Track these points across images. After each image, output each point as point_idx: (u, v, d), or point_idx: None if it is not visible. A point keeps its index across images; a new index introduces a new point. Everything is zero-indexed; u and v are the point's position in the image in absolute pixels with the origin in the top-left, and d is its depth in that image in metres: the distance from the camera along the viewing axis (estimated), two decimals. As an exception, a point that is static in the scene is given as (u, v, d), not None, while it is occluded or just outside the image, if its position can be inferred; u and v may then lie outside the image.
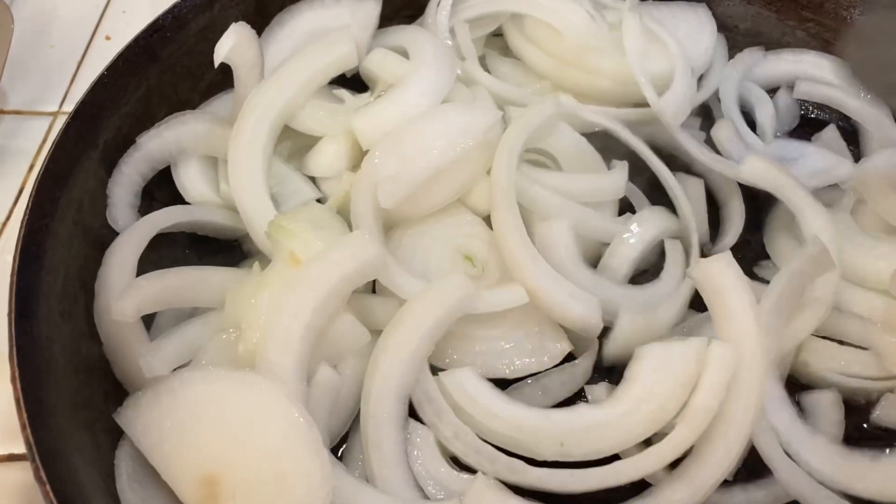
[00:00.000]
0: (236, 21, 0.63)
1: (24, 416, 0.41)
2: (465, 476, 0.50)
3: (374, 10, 0.66)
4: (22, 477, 0.55)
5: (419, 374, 0.51)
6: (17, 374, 0.43)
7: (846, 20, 0.72)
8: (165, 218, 0.57)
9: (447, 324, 0.51)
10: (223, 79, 0.65)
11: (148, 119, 0.61)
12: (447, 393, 0.51)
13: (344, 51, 0.62)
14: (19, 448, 0.56)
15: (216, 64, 0.62)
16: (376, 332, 0.53)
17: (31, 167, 0.74)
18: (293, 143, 0.64)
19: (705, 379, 0.49)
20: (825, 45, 0.74)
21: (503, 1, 0.71)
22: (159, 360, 0.50)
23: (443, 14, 0.70)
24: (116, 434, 0.48)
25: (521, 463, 0.49)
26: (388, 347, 0.50)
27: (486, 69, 0.69)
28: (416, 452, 0.51)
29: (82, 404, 0.47)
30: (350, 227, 0.56)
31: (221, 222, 0.60)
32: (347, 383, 0.52)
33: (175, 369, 0.51)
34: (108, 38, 0.84)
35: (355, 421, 0.53)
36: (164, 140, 0.60)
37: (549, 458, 0.49)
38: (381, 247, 0.51)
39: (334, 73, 0.63)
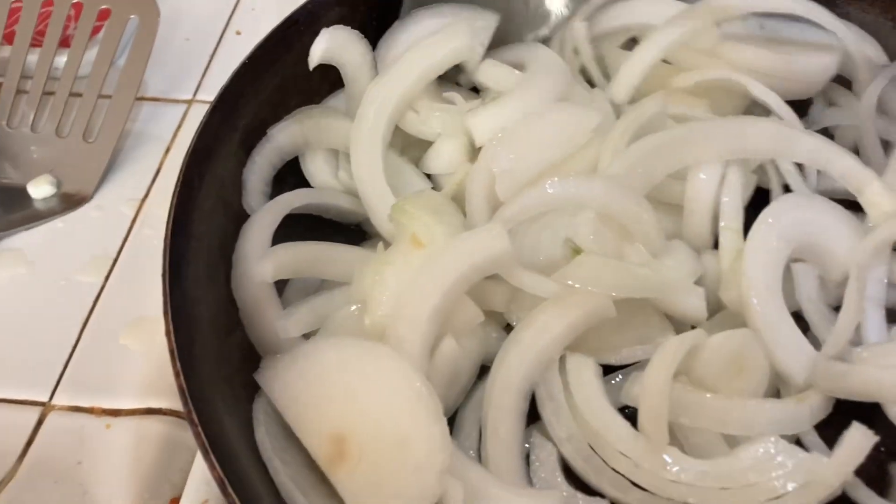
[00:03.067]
0: (367, 17, 0.68)
1: (178, 364, 0.45)
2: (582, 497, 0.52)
3: (492, 21, 0.69)
4: (158, 428, 0.60)
5: (545, 372, 0.54)
6: (171, 328, 0.47)
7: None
8: (296, 198, 0.62)
9: (581, 329, 0.54)
10: None
11: (282, 107, 0.66)
12: (567, 386, 0.54)
13: (459, 43, 0.65)
14: (157, 403, 0.61)
15: (311, 66, 0.66)
16: (488, 312, 0.56)
17: (168, 150, 0.80)
18: (405, 138, 0.67)
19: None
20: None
21: (634, 15, 0.73)
22: (293, 324, 0.55)
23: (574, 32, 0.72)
24: (251, 390, 0.52)
25: (626, 482, 0.51)
26: (519, 341, 0.53)
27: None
28: (537, 464, 0.53)
29: (223, 360, 0.51)
30: (464, 215, 0.60)
31: (345, 206, 0.64)
32: (462, 360, 0.55)
33: (304, 336, 0.55)
34: (238, 32, 0.90)
35: (465, 399, 0.56)
36: (291, 133, 0.65)
37: (619, 470, 0.51)
38: (510, 242, 0.53)
39: (449, 66, 0.66)
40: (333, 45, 0.66)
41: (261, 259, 0.56)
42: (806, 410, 0.51)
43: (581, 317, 0.53)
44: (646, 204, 0.56)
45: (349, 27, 0.67)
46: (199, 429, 0.43)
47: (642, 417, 0.51)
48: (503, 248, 0.52)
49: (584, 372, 0.54)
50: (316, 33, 0.66)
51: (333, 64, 0.67)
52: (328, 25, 0.67)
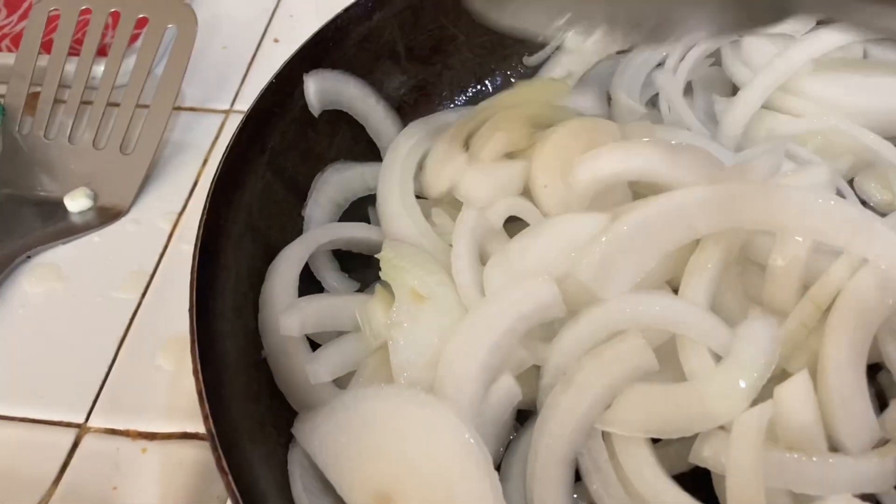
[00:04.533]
0: (395, 32, 0.67)
1: (207, 407, 0.45)
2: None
3: None
4: (195, 454, 0.60)
5: (588, 439, 0.51)
6: (198, 367, 0.46)
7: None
8: (324, 235, 0.61)
9: (623, 387, 0.51)
10: (379, 88, 0.69)
11: (310, 125, 0.65)
12: (614, 455, 0.51)
13: None
14: (193, 427, 0.61)
15: (316, 113, 0.65)
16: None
17: (205, 162, 0.79)
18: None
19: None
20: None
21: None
22: (323, 368, 0.53)
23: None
24: (283, 430, 0.51)
25: None
26: (558, 405, 0.50)
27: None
28: None
29: (252, 398, 0.51)
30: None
31: (375, 238, 0.62)
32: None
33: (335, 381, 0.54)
34: (276, 40, 0.89)
35: (511, 451, 0.54)
36: (321, 206, 0.65)
37: None
38: (558, 289, 0.51)
39: None
40: (324, 87, 0.65)
41: (288, 311, 0.55)
42: (890, 466, 0.47)
43: (622, 373, 0.50)
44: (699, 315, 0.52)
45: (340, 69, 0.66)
46: (230, 478, 0.42)
47: (732, 496, 0.47)
48: (551, 295, 0.51)
49: (632, 438, 0.50)
50: (343, 50, 0.66)
51: (339, 108, 0.66)
52: (356, 41, 0.66)
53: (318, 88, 0.64)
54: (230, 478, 0.42)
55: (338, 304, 0.57)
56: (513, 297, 0.51)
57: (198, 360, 0.47)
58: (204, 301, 0.50)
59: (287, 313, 0.54)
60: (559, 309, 0.52)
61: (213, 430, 0.44)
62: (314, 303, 0.56)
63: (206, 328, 0.49)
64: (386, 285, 0.57)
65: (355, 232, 0.63)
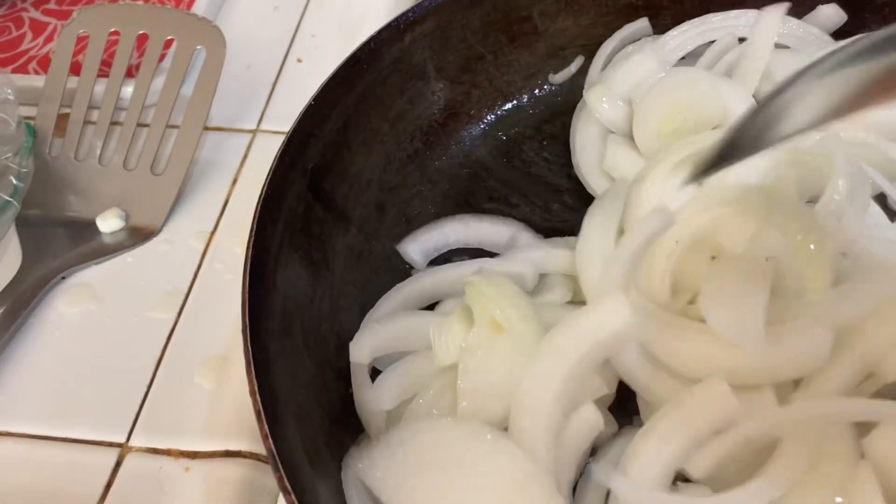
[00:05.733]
0: (426, 53, 0.68)
1: (266, 427, 0.45)
2: None
3: None
4: (238, 472, 0.60)
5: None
6: (255, 387, 0.47)
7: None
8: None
9: (706, 437, 0.48)
10: (410, 108, 0.70)
11: (345, 146, 0.66)
12: None
13: None
14: (235, 445, 0.62)
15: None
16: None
17: (235, 181, 0.80)
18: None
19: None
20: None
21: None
22: (387, 395, 0.54)
23: None
24: (335, 447, 0.52)
25: None
26: (637, 456, 0.48)
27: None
28: None
29: (303, 417, 0.51)
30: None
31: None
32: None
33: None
34: (299, 60, 0.90)
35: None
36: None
37: None
38: (637, 314, 0.50)
39: None
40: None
41: (358, 338, 0.56)
42: None
43: (706, 423, 0.48)
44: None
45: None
46: (293, 497, 0.43)
47: None
48: (627, 321, 0.50)
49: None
50: (377, 72, 0.67)
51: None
52: (389, 62, 0.67)
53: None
54: (293, 496, 0.43)
55: (410, 324, 0.58)
56: (586, 325, 0.51)
57: (255, 381, 0.47)
58: (256, 321, 0.51)
59: (356, 340, 0.56)
60: (637, 334, 0.51)
61: (274, 450, 0.45)
62: (385, 326, 0.57)
63: (259, 348, 0.50)
64: (467, 309, 0.56)
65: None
